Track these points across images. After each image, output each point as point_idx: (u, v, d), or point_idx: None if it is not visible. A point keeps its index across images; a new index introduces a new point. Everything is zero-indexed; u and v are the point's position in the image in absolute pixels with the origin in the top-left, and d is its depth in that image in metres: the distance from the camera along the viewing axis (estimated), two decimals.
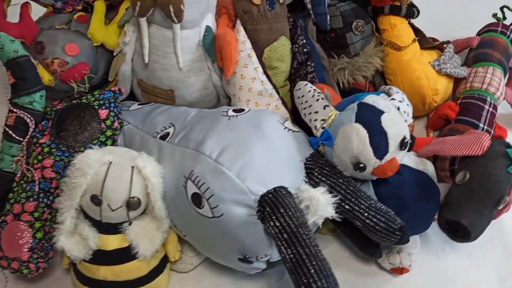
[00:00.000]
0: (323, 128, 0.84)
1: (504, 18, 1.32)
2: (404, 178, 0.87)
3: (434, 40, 1.25)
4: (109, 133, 0.92)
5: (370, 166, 0.81)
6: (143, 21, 0.92)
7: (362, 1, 1.09)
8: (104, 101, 0.93)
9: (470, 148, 0.85)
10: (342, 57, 1.08)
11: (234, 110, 0.90)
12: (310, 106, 0.88)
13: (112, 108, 0.93)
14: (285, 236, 0.73)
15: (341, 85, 1.08)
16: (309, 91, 0.90)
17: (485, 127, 1.06)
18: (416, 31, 1.13)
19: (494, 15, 1.33)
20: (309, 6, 1.04)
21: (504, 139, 1.06)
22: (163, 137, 0.90)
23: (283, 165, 0.82)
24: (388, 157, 0.81)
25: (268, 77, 1.00)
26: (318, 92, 0.89)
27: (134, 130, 0.95)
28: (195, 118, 0.92)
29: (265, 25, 1.01)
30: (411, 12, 1.09)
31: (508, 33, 1.26)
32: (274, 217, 0.75)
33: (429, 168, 0.92)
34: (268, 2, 1.00)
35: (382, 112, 0.81)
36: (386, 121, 0.80)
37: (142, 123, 0.95)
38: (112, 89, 0.96)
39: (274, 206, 0.76)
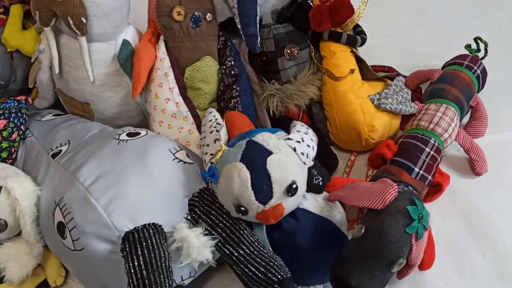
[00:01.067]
0: (211, 163, 0.78)
1: (478, 50, 1.21)
2: (299, 225, 0.80)
3: (390, 69, 1.16)
4: (4, 144, 0.88)
5: (253, 210, 0.74)
6: (48, 30, 0.88)
7: (301, 24, 1.01)
8: (4, 110, 0.89)
9: (371, 200, 0.77)
10: (273, 83, 1.01)
11: (128, 134, 0.84)
12: (205, 137, 0.81)
13: (12, 119, 0.90)
14: (135, 280, 0.68)
15: (271, 112, 1.01)
16: (210, 120, 0.84)
17: (421, 171, 0.96)
18: (359, 60, 1.04)
19: (467, 46, 1.22)
20: (239, 26, 0.97)
21: (442, 187, 0.98)
22: (55, 155, 0.85)
23: (162, 199, 0.76)
24: (273, 202, 0.74)
25: (185, 98, 0.95)
26: (218, 123, 0.83)
27: (35, 143, 0.91)
28: (91, 138, 0.87)
29: (188, 43, 0.95)
30: (353, 40, 1.00)
31: (476, 68, 1.15)
32: (130, 257, 0.69)
33: (336, 214, 0.84)
34: (192, 20, 0.95)
35: (269, 153, 0.74)
36: (272, 164, 0.73)
37: (44, 137, 0.91)
38: (18, 98, 0.93)
39: (134, 245, 0.70)
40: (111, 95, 0.97)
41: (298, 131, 0.79)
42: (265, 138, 0.75)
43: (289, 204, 0.76)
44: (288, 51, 0.99)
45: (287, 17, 1.01)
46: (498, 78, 1.23)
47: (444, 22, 1.47)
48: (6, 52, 0.97)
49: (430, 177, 0.98)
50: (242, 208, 0.74)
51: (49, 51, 0.92)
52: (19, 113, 0.91)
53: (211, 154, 0.78)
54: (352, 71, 1.00)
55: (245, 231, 0.77)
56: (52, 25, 0.87)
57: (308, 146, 0.79)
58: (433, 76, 1.15)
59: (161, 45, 0.95)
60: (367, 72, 1.04)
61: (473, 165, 1.05)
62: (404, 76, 1.24)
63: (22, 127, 0.91)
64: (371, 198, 0.78)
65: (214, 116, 0.85)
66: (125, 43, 0.94)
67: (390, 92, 1.04)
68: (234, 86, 0.98)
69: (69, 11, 0.82)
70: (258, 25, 0.97)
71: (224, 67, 0.99)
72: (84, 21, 0.84)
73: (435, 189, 1.00)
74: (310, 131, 0.83)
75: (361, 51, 1.10)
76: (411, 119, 1.08)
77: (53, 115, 1.00)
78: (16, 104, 0.91)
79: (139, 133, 0.85)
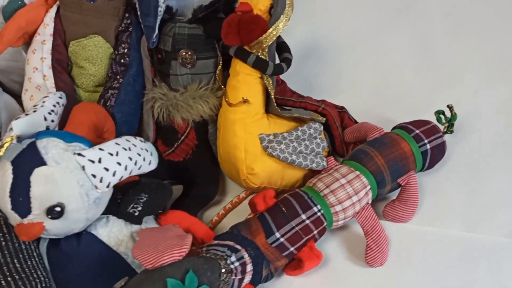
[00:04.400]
0: None
1: (448, 120, 0.98)
2: (78, 251, 0.70)
3: (343, 109, 1.00)
4: None
5: (12, 220, 0.65)
6: None
7: (212, 31, 0.87)
8: None
9: (148, 255, 0.64)
10: (161, 87, 0.89)
11: None
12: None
13: None
14: None
15: (155, 116, 0.90)
16: (38, 102, 0.75)
17: (282, 239, 0.81)
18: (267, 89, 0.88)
19: (438, 113, 1.00)
20: (138, 12, 0.85)
21: (304, 264, 0.82)
22: None
23: None
24: (32, 218, 0.64)
25: (59, 74, 0.86)
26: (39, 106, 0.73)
27: None
28: None
29: (78, 15, 0.86)
30: (262, 64, 0.84)
31: (427, 141, 0.93)
32: None
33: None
34: None
35: (42, 163, 0.64)
36: (38, 176, 0.63)
37: None
38: None
39: None
40: None
41: (101, 149, 0.68)
42: (48, 145, 0.65)
43: (54, 226, 0.66)
44: (183, 55, 0.86)
45: (200, 18, 0.87)
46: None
47: (447, 68, 1.17)
48: None
49: (292, 249, 0.82)
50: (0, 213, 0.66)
51: None
52: None
53: None
54: (244, 101, 0.85)
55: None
56: None
57: (107, 169, 0.67)
58: (371, 135, 0.96)
59: (52, 9, 0.88)
60: (271, 107, 0.88)
61: (366, 253, 0.86)
62: (355, 122, 1.07)
63: None
64: (150, 253, 0.65)
65: (44, 100, 0.75)
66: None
67: (291, 137, 0.87)
68: (118, 77, 0.88)
69: None
70: (158, 16, 0.85)
71: (117, 52, 0.89)
72: None
73: (297, 264, 0.84)
74: (127, 153, 0.70)
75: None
76: (315, 173, 0.91)
77: None
78: None
79: None
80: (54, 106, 0.76)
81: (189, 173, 0.93)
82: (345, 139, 1.00)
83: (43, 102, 0.75)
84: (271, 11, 0.84)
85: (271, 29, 0.82)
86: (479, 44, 1.20)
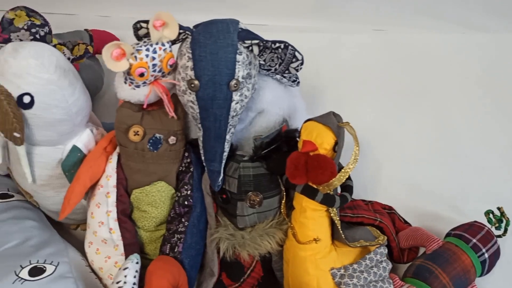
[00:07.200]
0: None
1: (500, 222, 1.00)
2: None
3: (391, 209, 1.01)
4: None
5: None
6: None
7: (276, 166, 0.87)
8: None
9: None
10: (227, 227, 0.88)
11: (31, 271, 0.76)
12: None
13: None
14: None
15: (220, 253, 0.89)
16: (120, 276, 0.74)
17: None
18: (333, 223, 0.88)
19: (488, 213, 1.02)
20: (202, 157, 0.85)
21: None
22: None
23: None
24: None
25: (123, 224, 0.85)
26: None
27: None
28: (0, 256, 0.79)
29: (141, 164, 0.85)
30: (330, 200, 0.84)
31: (484, 250, 0.95)
32: None
33: None
34: (150, 141, 0.84)
35: None
36: None
37: None
38: None
39: None
40: (53, 194, 0.89)
41: None
42: None
43: None
44: (251, 198, 0.86)
45: (262, 156, 0.87)
46: None
47: (477, 161, 1.22)
48: None
49: None
50: None
51: None
52: None
53: None
54: (316, 241, 0.85)
55: None
56: None
57: None
58: (429, 247, 0.97)
59: (113, 159, 0.86)
60: (338, 236, 0.88)
61: None
62: (406, 223, 1.09)
63: None
64: None
65: (125, 274, 0.74)
66: (74, 149, 0.85)
67: (361, 267, 0.88)
68: (183, 220, 0.87)
69: None
70: (223, 162, 0.84)
71: (179, 194, 0.88)
72: (18, 135, 0.75)
73: None
74: None
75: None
76: None
77: None
78: None
79: (44, 270, 0.76)
80: (135, 277, 0.75)
81: None
82: (401, 245, 1.02)
83: (125, 276, 0.74)
84: (335, 148, 0.85)
85: (341, 173, 0.82)
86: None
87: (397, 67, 1.41)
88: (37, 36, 0.95)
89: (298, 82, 0.96)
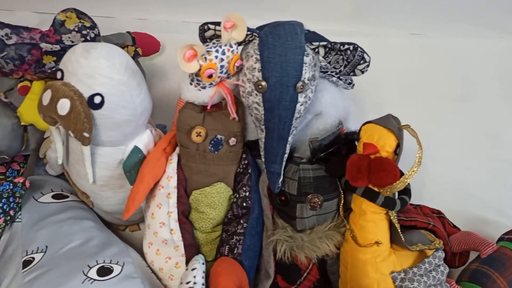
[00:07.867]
0: None
1: None
2: None
3: (440, 213, 1.00)
4: None
5: None
6: (53, 129, 0.82)
7: (336, 169, 0.87)
8: None
9: None
10: (285, 228, 0.88)
11: (99, 270, 0.76)
12: None
13: (1, 204, 0.85)
14: None
15: (277, 256, 0.89)
16: (189, 277, 0.74)
17: None
18: (393, 226, 0.88)
19: None
20: (263, 159, 0.85)
21: None
22: (26, 263, 0.79)
23: None
24: None
25: (183, 224, 0.85)
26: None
27: (17, 234, 0.85)
28: (66, 256, 0.79)
29: (202, 165, 0.85)
30: (391, 203, 0.84)
31: None
32: None
33: None
34: (212, 143, 0.84)
35: None
36: None
37: (28, 230, 0.86)
38: (15, 180, 0.87)
39: None
40: (111, 194, 0.89)
41: None
42: None
43: None
44: (311, 201, 0.86)
45: (321, 158, 0.87)
46: None
47: None
48: (19, 125, 0.92)
49: None
50: None
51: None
52: (11, 198, 0.86)
53: None
54: (378, 244, 0.85)
55: None
56: (57, 126, 0.80)
57: None
58: (484, 251, 0.96)
59: (174, 159, 0.86)
60: (397, 240, 0.88)
61: None
62: (454, 227, 1.08)
63: (11, 212, 0.86)
64: None
65: (194, 274, 0.74)
66: (135, 150, 0.85)
67: (420, 271, 0.87)
68: (242, 222, 0.87)
69: (70, 126, 0.75)
70: (283, 163, 0.84)
71: (237, 195, 0.88)
72: (87, 135, 0.76)
73: None
74: None
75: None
76: None
77: (52, 196, 0.94)
78: (12, 187, 0.86)
79: (112, 271, 0.76)
80: (202, 277, 0.75)
81: None
82: (453, 249, 1.01)
83: (194, 277, 0.74)
84: (397, 151, 0.84)
85: (404, 176, 0.82)
86: None
87: (435, 71, 1.41)
88: (88, 38, 0.96)
89: (353, 85, 0.96)
